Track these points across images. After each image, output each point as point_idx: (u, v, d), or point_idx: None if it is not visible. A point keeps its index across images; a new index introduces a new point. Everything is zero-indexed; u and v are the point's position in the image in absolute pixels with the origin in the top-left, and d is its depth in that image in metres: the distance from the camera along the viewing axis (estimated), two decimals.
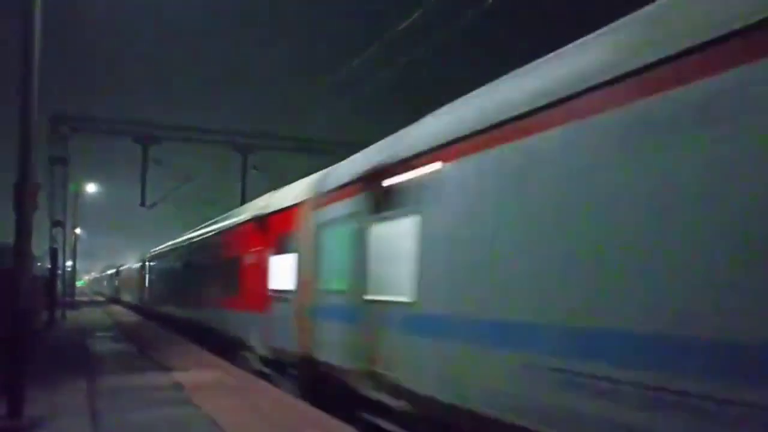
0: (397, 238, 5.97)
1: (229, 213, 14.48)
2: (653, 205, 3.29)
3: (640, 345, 3.28)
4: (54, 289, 22.82)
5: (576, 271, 3.77)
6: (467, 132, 5.01)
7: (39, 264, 26.13)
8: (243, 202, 24.11)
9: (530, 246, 4.20)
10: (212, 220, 15.81)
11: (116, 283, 49.70)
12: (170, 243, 22.72)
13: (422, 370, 5.41)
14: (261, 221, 10.70)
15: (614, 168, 3.55)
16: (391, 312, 6.00)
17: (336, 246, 7.52)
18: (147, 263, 29.27)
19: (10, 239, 7.01)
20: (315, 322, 8.04)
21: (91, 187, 34.33)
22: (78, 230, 38.14)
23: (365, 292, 6.58)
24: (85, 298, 53.54)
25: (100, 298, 58.11)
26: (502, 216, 4.54)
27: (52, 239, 22.06)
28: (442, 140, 5.35)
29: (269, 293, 10.05)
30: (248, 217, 11.63)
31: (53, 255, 22.27)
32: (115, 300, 48.72)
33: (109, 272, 56.99)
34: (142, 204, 23.40)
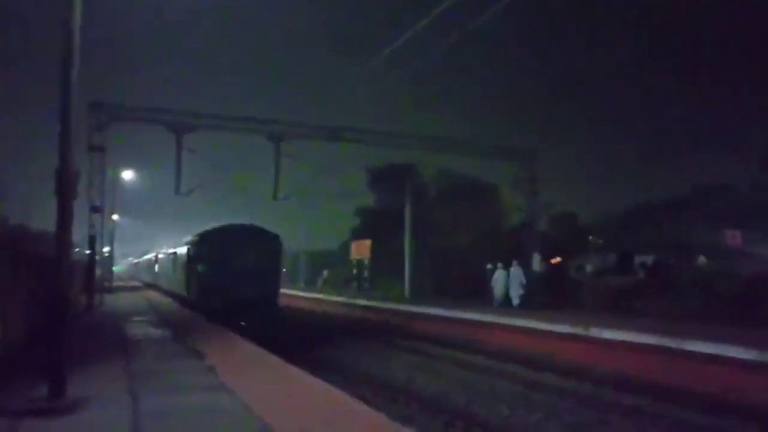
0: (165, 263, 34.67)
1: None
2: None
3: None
4: (93, 275, 23.40)
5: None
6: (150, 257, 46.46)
7: (77, 249, 26.81)
8: (275, 189, 24.32)
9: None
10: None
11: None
12: None
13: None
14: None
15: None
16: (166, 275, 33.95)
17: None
18: None
19: (50, 226, 7.18)
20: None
21: (127, 174, 34.94)
22: (115, 216, 38.98)
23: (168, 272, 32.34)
24: (121, 283, 54.87)
25: (137, 284, 59.45)
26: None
27: (91, 225, 22.49)
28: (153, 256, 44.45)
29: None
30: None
31: (92, 241, 22.75)
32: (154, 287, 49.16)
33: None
34: (177, 191, 23.72)
